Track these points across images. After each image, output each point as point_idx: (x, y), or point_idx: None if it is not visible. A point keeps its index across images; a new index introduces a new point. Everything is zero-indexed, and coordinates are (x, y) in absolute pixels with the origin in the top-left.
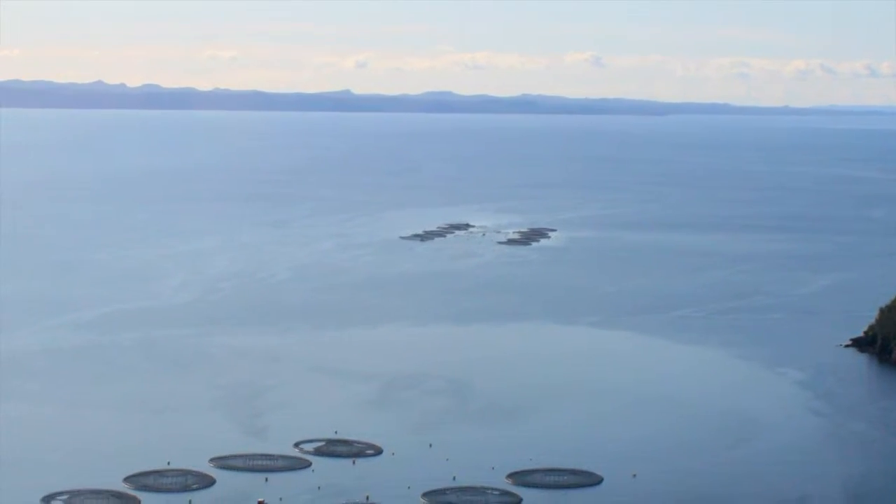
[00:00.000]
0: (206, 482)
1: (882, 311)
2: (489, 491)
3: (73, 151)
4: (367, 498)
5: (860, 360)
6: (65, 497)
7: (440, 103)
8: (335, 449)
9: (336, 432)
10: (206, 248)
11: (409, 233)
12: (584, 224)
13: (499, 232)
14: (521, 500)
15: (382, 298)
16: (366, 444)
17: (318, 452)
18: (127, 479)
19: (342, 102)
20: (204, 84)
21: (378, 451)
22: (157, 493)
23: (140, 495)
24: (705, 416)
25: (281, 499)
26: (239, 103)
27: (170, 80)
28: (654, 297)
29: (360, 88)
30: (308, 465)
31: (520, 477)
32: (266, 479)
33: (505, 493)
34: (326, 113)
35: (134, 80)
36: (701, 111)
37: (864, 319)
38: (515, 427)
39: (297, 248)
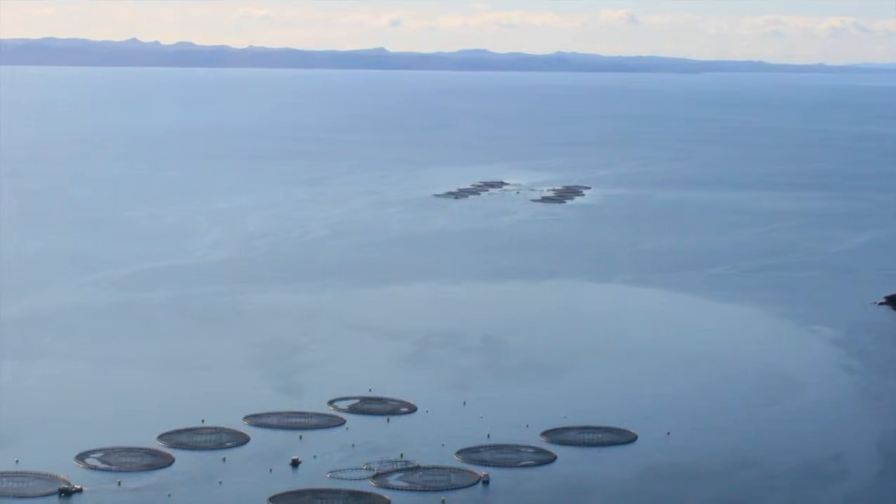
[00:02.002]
0: (240, 440)
1: None
2: (523, 449)
3: (107, 109)
4: (401, 456)
5: (895, 318)
6: (99, 455)
7: (474, 61)
8: (369, 407)
9: (370, 390)
10: (240, 205)
11: (444, 191)
12: (619, 182)
13: (533, 189)
14: (555, 457)
15: (417, 256)
16: (400, 401)
17: (353, 410)
18: (161, 437)
19: (376, 60)
20: (238, 42)
21: (412, 409)
22: (191, 451)
23: (174, 453)
24: (739, 373)
25: (315, 456)
26: (272, 61)
27: (203, 38)
28: (688, 255)
29: (394, 46)
30: (342, 422)
31: (554, 435)
32: (300, 437)
33: (539, 450)
34: (360, 71)
35: (168, 38)
36: (735, 69)
37: None
38: (550, 385)
39: (331, 205)
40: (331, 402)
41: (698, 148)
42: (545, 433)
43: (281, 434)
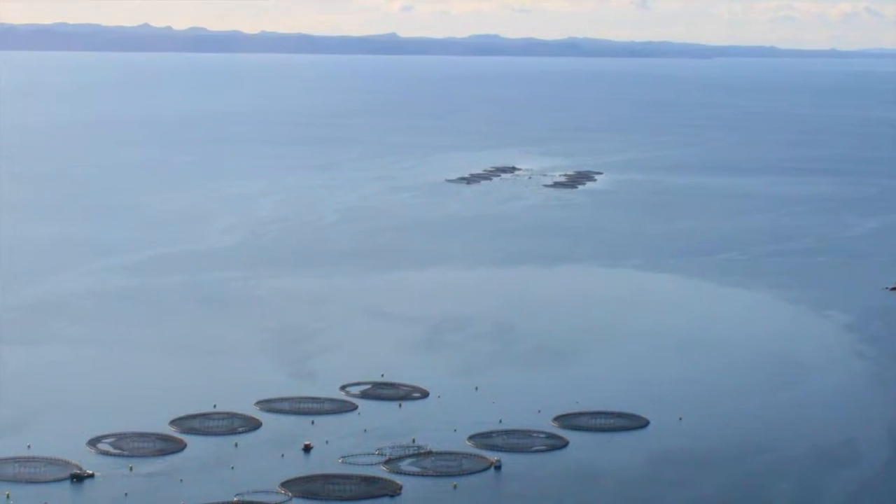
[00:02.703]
0: (253, 425)
1: None
2: (535, 434)
3: (119, 95)
4: (414, 441)
5: None
6: (111, 440)
7: (486, 46)
8: (381, 392)
9: (382, 375)
10: (252, 191)
11: (456, 176)
12: (630, 167)
13: (545, 175)
14: (567, 442)
15: (429, 241)
16: (412, 387)
17: (365, 395)
18: (173, 422)
19: (388, 45)
20: (250, 27)
21: (424, 394)
22: (203, 436)
23: (186, 438)
24: (751, 359)
25: (327, 441)
26: (284, 46)
27: (216, 23)
28: (699, 240)
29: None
30: (354, 408)
31: (566, 420)
32: (312, 422)
33: (551, 435)
34: (372, 56)
35: (180, 23)
36: (746, 54)
37: None
38: (562, 370)
39: (343, 191)
40: (343, 388)
41: (710, 133)
42: (557, 418)
43: (293, 419)
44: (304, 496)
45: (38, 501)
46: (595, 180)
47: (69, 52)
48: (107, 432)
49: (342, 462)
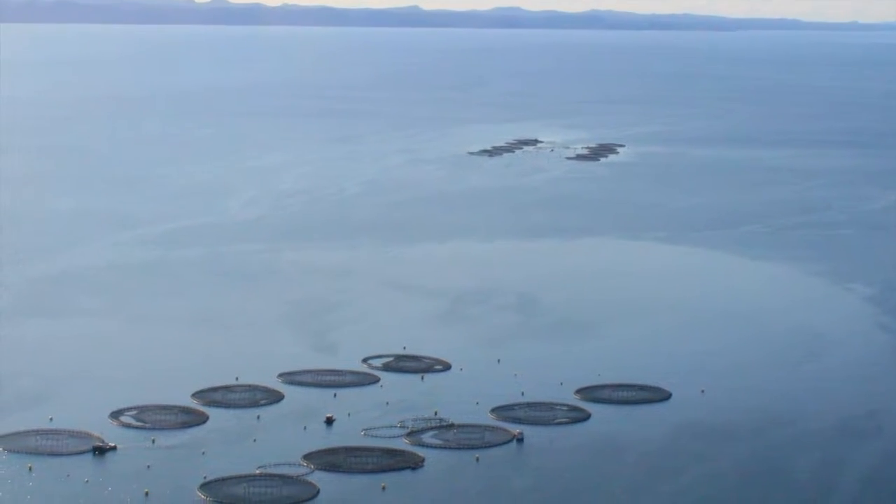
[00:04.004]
0: (275, 398)
1: None
2: (557, 406)
3: (140, 67)
4: (436, 413)
5: None
6: (133, 412)
7: (508, 19)
8: (404, 364)
9: (405, 348)
10: (274, 163)
11: (478, 148)
12: (653, 139)
13: (567, 147)
14: (589, 415)
15: (451, 214)
16: (434, 359)
17: (387, 368)
18: (195, 395)
19: (410, 18)
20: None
21: (446, 367)
22: (225, 409)
23: (208, 411)
24: (774, 331)
25: (349, 414)
26: (307, 19)
27: None
28: (722, 213)
29: (428, 4)
30: (376, 380)
31: (588, 392)
32: (334, 395)
33: (573, 408)
34: (394, 29)
35: None
36: (769, 27)
37: None
38: (584, 343)
39: (365, 163)
40: (365, 360)
41: (732, 106)
42: (579, 391)
43: (315, 392)
44: (327, 469)
45: (61, 474)
46: (617, 153)
47: (89, 25)
48: (129, 405)
49: (364, 434)
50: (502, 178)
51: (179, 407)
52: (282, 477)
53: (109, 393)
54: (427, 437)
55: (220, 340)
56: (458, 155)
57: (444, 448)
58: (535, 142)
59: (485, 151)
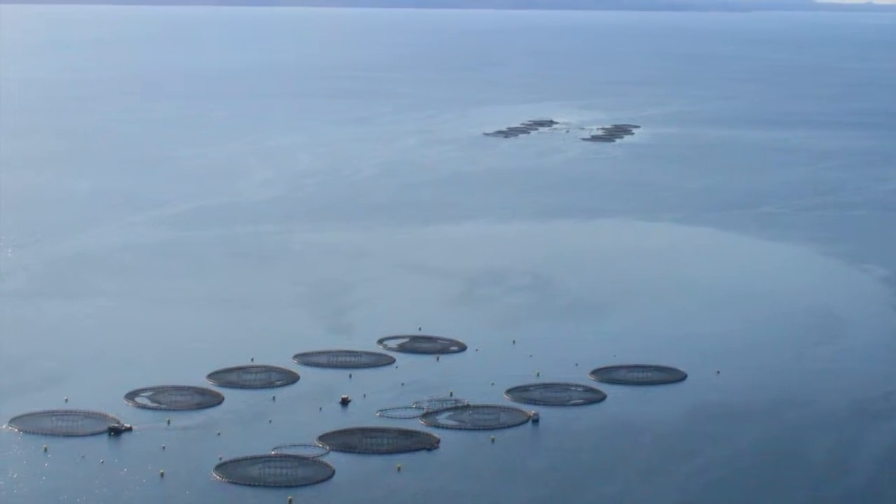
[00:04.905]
0: (290, 379)
1: None
2: (573, 387)
3: (156, 48)
4: (451, 394)
5: None
6: (148, 393)
7: (524, 0)
8: (419, 345)
9: (420, 329)
10: (289, 144)
11: (493, 129)
12: (668, 120)
13: (582, 128)
14: (605, 396)
15: (466, 195)
16: (449, 340)
17: (402, 349)
18: (210, 376)
19: None
20: None
21: (462, 348)
22: (240, 390)
23: (223, 392)
24: (789, 312)
25: (365, 395)
26: (322, 0)
27: None
28: (737, 194)
29: None
30: (392, 361)
31: (604, 373)
32: (350, 376)
33: (589, 389)
34: (409, 10)
35: None
36: (784, 8)
37: None
38: (599, 324)
39: (381, 144)
40: (380, 341)
41: (747, 87)
42: (595, 372)
43: (330, 373)
44: (342, 450)
45: (76, 455)
46: (633, 134)
47: (103, 6)
48: (144, 386)
49: (380, 415)
50: (518, 159)
51: (195, 388)
52: (297, 458)
53: (125, 374)
54: (442, 418)
55: (236, 321)
56: (473, 136)
57: (460, 429)
58: (550, 123)
59: (500, 132)
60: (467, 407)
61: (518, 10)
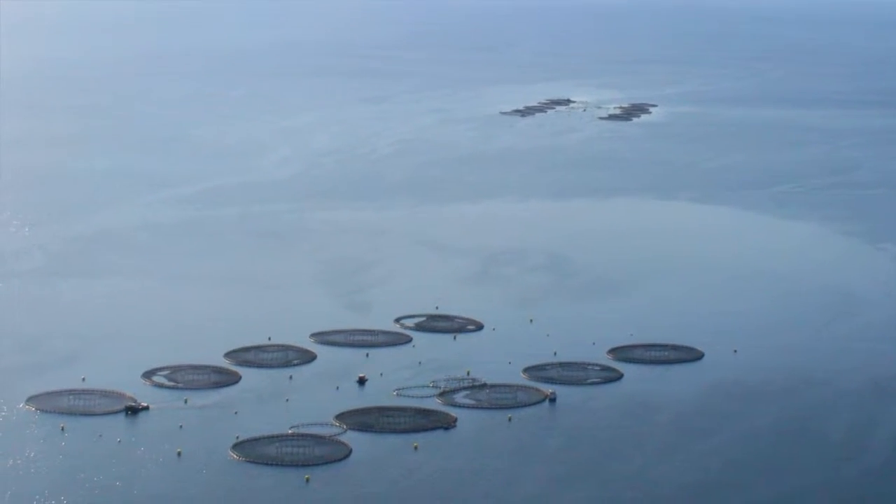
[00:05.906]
0: (307, 358)
1: None
2: (590, 366)
3: (170, 27)
4: (468, 373)
5: None
6: (166, 372)
7: None
8: (436, 324)
9: (437, 308)
10: (306, 123)
11: (510, 108)
12: (685, 99)
13: (599, 107)
14: (622, 375)
15: (484, 174)
16: (467, 319)
17: (419, 328)
18: (228, 355)
19: None
20: None
21: (479, 327)
22: (257, 369)
23: (241, 370)
24: (805, 291)
25: (382, 374)
26: None
27: None
28: (754, 173)
29: None
30: (409, 340)
31: (621, 352)
32: (367, 355)
33: (606, 368)
34: None
35: None
36: None
37: None
38: (616, 303)
39: (398, 123)
40: (397, 320)
41: (764, 66)
42: (612, 351)
43: (347, 352)
44: (359, 428)
45: (93, 433)
46: (650, 112)
47: None
48: (162, 365)
49: (397, 394)
50: (535, 138)
51: (212, 367)
52: (314, 437)
53: (142, 353)
54: (459, 397)
55: (253, 300)
56: (490, 115)
57: (477, 408)
58: (567, 102)
59: (517, 111)
60: (484, 386)
61: None
